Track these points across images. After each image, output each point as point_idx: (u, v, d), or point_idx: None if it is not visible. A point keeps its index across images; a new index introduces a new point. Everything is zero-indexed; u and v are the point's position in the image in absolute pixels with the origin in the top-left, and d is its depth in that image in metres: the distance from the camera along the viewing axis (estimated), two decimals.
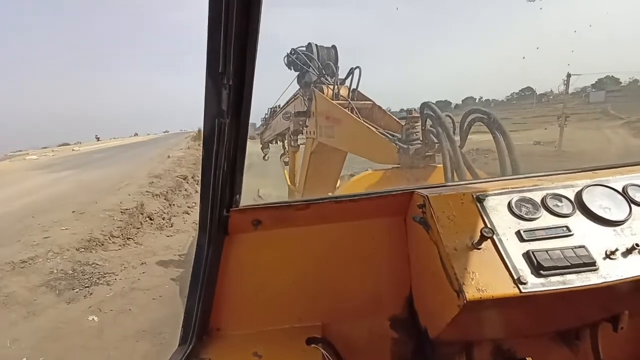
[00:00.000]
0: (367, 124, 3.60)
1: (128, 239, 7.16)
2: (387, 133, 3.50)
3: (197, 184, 14.03)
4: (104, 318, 4.39)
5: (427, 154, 3.07)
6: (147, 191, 9.86)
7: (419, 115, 3.14)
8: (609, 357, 1.16)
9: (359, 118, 3.72)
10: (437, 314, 1.07)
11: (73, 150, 37.26)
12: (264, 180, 8.37)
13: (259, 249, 1.27)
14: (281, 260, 1.29)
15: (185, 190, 12.05)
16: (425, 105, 2.94)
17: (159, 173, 13.16)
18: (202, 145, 0.97)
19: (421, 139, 3.07)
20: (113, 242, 6.81)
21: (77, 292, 5.01)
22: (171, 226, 8.39)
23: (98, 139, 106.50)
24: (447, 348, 1.16)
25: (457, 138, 2.62)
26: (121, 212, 7.99)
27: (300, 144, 5.29)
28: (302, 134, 4.94)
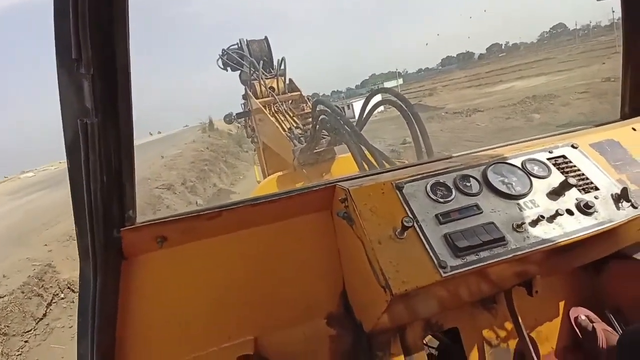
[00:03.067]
0: (276, 122, 3.56)
1: None
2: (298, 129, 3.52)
3: (189, 191, 10.33)
4: None
5: (315, 150, 3.09)
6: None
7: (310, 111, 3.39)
8: (528, 317, 1.22)
9: (274, 114, 3.70)
10: (369, 308, 1.05)
11: None
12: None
13: (166, 269, 1.08)
14: (196, 278, 1.11)
15: (166, 206, 8.19)
16: (317, 102, 3.07)
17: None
18: (66, 153, 0.76)
19: (310, 136, 3.07)
20: None
21: None
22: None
23: None
24: (382, 336, 1.15)
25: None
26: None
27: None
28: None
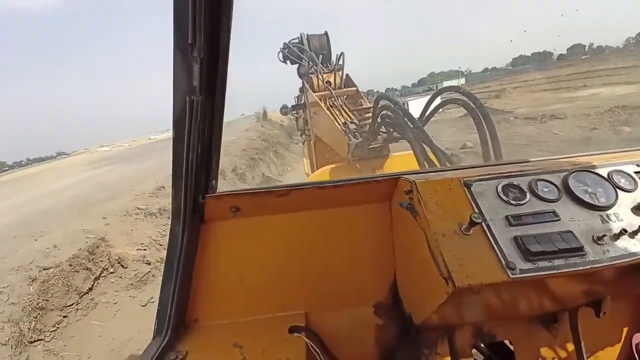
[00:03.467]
0: (332, 116, 3.56)
1: None
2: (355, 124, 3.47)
3: (238, 178, 10.39)
4: None
5: (370, 146, 3.10)
6: (138, 208, 6.03)
7: (370, 107, 3.39)
8: (589, 340, 1.14)
9: (329, 108, 3.69)
10: (423, 300, 1.05)
11: (149, 139, 38.06)
12: None
13: (237, 237, 1.21)
14: (261, 249, 1.23)
15: None
16: (380, 97, 2.93)
17: None
18: (172, 125, 0.88)
19: (369, 131, 3.03)
20: None
21: None
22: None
23: None
24: (430, 333, 1.15)
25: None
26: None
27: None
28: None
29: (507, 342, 1.20)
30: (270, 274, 1.23)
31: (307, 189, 1.14)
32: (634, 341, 1.23)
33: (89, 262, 4.53)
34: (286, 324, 1.18)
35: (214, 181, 1.06)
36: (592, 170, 1.04)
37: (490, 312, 1.08)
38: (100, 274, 4.54)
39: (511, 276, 0.83)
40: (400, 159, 3.35)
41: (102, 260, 4.61)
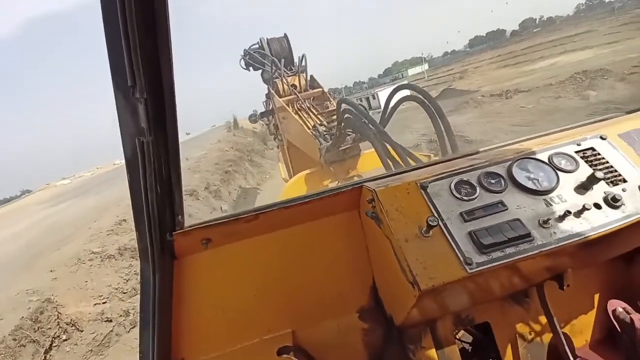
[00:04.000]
0: (300, 120, 3.48)
1: None
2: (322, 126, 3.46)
3: (213, 196, 9.54)
4: None
5: (340, 148, 3.08)
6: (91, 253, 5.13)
7: (334, 109, 3.39)
8: (562, 311, 1.20)
9: (297, 112, 3.62)
10: (399, 303, 1.07)
11: (114, 164, 35.74)
12: None
13: (212, 267, 1.18)
14: (238, 275, 1.21)
15: (188, 215, 7.34)
16: (341, 100, 2.91)
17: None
18: (126, 169, 0.86)
19: (336, 134, 3.02)
20: None
21: None
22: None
23: None
24: (412, 329, 1.17)
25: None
26: None
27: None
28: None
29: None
30: (251, 298, 1.21)
31: (275, 210, 1.13)
32: (610, 307, 1.24)
33: (35, 332, 3.67)
34: (274, 346, 1.18)
35: (179, 216, 1.03)
36: (533, 156, 1.08)
37: (465, 300, 1.11)
38: (51, 344, 3.70)
39: (469, 271, 0.87)
40: (372, 156, 3.23)
41: (50, 328, 3.76)
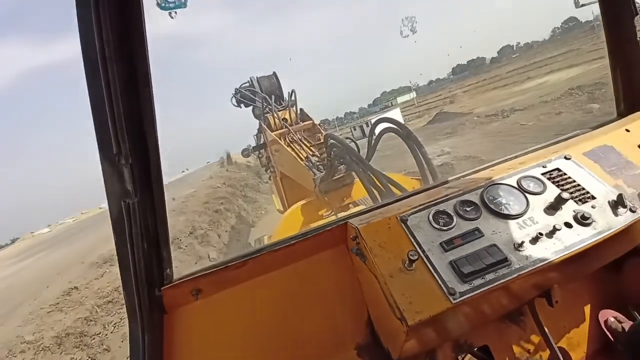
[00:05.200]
0: (293, 152, 3.57)
1: None
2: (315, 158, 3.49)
3: (199, 242, 8.23)
4: None
5: (334, 178, 3.10)
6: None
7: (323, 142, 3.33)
8: (555, 325, 1.19)
9: (290, 144, 3.72)
10: (393, 336, 1.05)
11: (100, 208, 34.15)
12: None
13: (204, 318, 1.14)
14: (231, 323, 1.17)
15: None
16: (328, 136, 3.09)
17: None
18: (112, 229, 0.86)
19: (327, 165, 3.12)
20: None
21: None
22: None
23: None
24: None
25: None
26: None
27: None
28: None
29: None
30: (246, 344, 1.17)
31: (264, 254, 1.12)
32: (601, 318, 1.24)
33: None
34: None
35: (167, 270, 1.02)
36: (502, 182, 1.10)
37: (460, 326, 1.08)
38: None
39: (453, 302, 0.87)
40: None
41: None
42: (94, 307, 4.07)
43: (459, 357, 1.17)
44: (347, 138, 3.01)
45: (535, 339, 1.19)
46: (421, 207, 1.04)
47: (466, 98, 31.50)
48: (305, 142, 3.81)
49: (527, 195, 1.04)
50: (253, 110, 4.53)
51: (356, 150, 2.64)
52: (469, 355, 1.21)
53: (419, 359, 1.12)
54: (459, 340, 1.16)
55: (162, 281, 1.01)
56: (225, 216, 10.72)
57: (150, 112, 0.76)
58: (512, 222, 0.98)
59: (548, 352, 1.16)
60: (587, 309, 1.27)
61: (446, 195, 1.06)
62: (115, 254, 0.90)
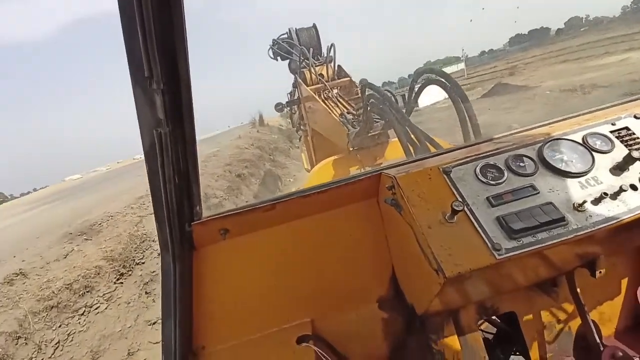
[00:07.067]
0: (328, 108, 3.47)
1: None
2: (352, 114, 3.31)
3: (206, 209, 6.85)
4: None
5: (369, 134, 2.97)
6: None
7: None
8: (590, 298, 1.14)
9: (324, 101, 3.59)
10: (421, 292, 1.04)
11: (134, 159, 34.20)
12: None
13: (230, 258, 1.18)
14: (257, 265, 1.21)
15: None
16: (364, 85, 3.00)
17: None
18: (145, 160, 0.85)
19: (362, 120, 2.96)
20: None
21: None
22: None
23: None
24: (435, 318, 1.13)
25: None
26: None
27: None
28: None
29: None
30: (270, 288, 1.19)
31: (292, 199, 1.11)
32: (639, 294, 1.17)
33: None
34: (293, 335, 1.18)
35: (197, 207, 1.03)
36: (566, 137, 1.03)
37: (490, 289, 1.05)
38: None
39: (498, 257, 0.83)
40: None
41: None
42: (27, 314, 2.77)
43: (480, 320, 1.14)
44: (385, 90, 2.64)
45: (566, 311, 1.16)
46: (467, 159, 1.00)
47: (529, 70, 27.39)
48: (341, 99, 3.66)
49: (593, 153, 0.99)
50: (289, 65, 4.36)
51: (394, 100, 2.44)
52: (486, 323, 1.20)
53: (442, 317, 1.10)
54: (484, 303, 1.13)
55: (192, 217, 1.01)
56: (248, 182, 9.27)
57: (183, 41, 0.72)
58: (573, 181, 0.94)
59: (577, 324, 1.14)
60: (624, 283, 1.23)
61: (497, 149, 1.02)
62: (149, 190, 0.88)
